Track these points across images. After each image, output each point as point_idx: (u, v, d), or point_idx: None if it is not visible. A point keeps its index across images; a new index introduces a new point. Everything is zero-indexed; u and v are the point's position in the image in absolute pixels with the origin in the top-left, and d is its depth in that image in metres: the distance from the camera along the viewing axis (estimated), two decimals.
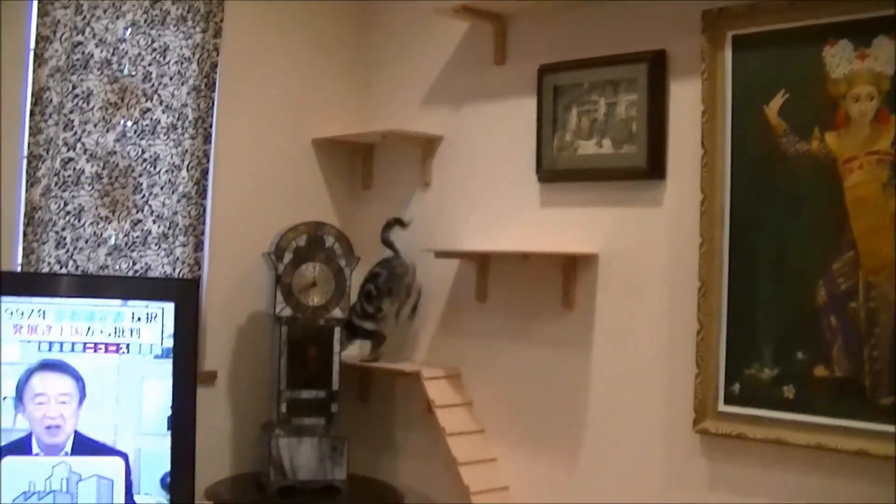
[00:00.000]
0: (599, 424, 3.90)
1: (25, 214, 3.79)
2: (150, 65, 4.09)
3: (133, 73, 4.06)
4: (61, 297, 3.63)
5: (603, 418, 3.89)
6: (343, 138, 4.67)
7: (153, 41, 4.10)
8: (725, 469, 3.52)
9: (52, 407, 3.57)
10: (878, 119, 3.15)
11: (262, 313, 4.39)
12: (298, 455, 4.10)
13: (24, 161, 3.81)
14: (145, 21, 4.08)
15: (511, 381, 4.19)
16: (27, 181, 3.79)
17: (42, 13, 3.79)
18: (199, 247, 4.21)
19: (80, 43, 3.91)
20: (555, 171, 4.04)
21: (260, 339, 4.45)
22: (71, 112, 3.91)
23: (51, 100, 3.81)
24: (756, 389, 3.40)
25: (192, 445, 3.71)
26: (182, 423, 3.69)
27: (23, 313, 3.56)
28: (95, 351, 3.64)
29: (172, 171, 4.14)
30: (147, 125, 4.10)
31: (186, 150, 4.17)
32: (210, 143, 4.24)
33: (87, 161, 3.96)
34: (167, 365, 3.70)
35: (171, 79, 4.14)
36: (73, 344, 3.61)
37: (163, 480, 3.67)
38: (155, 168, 4.11)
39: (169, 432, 3.69)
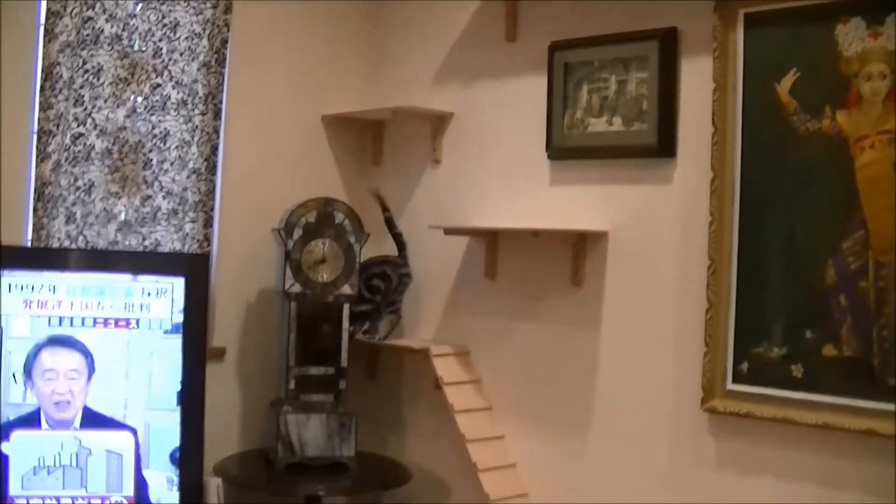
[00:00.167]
0: (607, 402, 3.90)
1: (35, 190, 3.79)
2: (160, 40, 4.08)
3: (143, 48, 4.05)
4: (71, 271, 3.64)
5: (611, 396, 3.89)
6: (353, 115, 4.66)
7: (163, 17, 4.09)
8: (733, 448, 3.52)
9: (60, 383, 3.59)
10: (890, 98, 3.13)
11: (272, 290, 4.39)
12: (306, 431, 4.11)
13: (35, 136, 3.81)
14: None
15: (519, 359, 4.19)
16: (37, 156, 3.79)
17: None
18: (208, 223, 4.21)
19: (90, 18, 3.90)
20: (565, 149, 4.03)
21: (269, 316, 4.46)
22: (81, 87, 3.91)
23: (61, 75, 3.80)
24: (764, 368, 3.40)
25: (201, 421, 3.72)
26: (191, 398, 3.71)
27: (33, 288, 3.57)
28: (105, 326, 3.65)
29: (182, 147, 4.14)
30: (157, 101, 4.09)
31: (196, 126, 4.17)
32: (220, 119, 4.23)
33: (98, 137, 3.96)
34: (177, 340, 3.71)
35: (181, 54, 4.13)
36: (83, 319, 3.63)
37: (172, 455, 3.69)
38: (165, 144, 4.11)
39: (178, 407, 3.70)
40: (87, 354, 3.62)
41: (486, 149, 4.34)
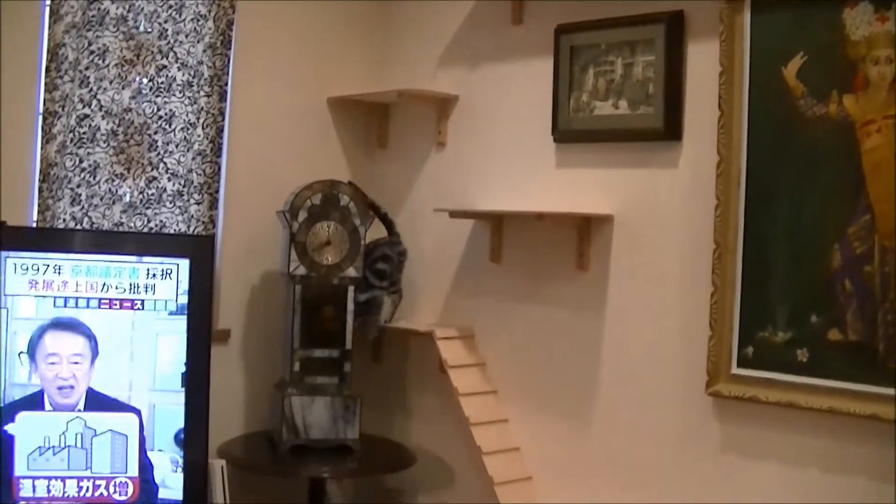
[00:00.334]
0: (612, 386, 3.90)
1: (41, 171, 3.79)
2: (165, 22, 4.07)
3: (149, 29, 4.05)
4: (77, 252, 3.64)
5: (615, 380, 3.89)
6: (358, 97, 4.66)
7: None
8: (737, 432, 3.52)
9: (64, 367, 3.59)
10: None
11: (276, 272, 4.40)
12: (311, 414, 4.11)
13: (40, 117, 3.81)
14: None
15: (524, 342, 4.19)
16: (43, 137, 3.79)
17: None
18: (213, 205, 4.21)
19: None
20: (571, 132, 4.02)
21: (274, 298, 4.46)
22: (86, 68, 3.90)
23: (66, 56, 3.80)
24: (769, 352, 3.40)
25: (206, 402, 3.72)
26: (196, 380, 3.71)
27: (38, 269, 3.57)
28: (111, 307, 3.65)
29: (188, 129, 4.14)
30: (162, 82, 4.09)
31: (202, 108, 4.16)
32: (225, 100, 4.22)
33: (103, 118, 3.96)
34: (181, 321, 3.70)
35: (186, 36, 4.12)
36: (87, 300, 3.63)
37: (177, 437, 3.69)
38: (170, 125, 4.11)
39: (183, 389, 3.70)
40: (91, 337, 3.62)
41: (491, 132, 4.34)
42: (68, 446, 3.58)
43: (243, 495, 4.18)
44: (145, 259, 3.69)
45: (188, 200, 4.14)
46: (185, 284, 3.71)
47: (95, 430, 3.61)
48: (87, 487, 3.60)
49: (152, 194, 4.08)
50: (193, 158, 4.15)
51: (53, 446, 3.57)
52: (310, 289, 4.18)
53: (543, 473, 4.10)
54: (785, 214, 3.37)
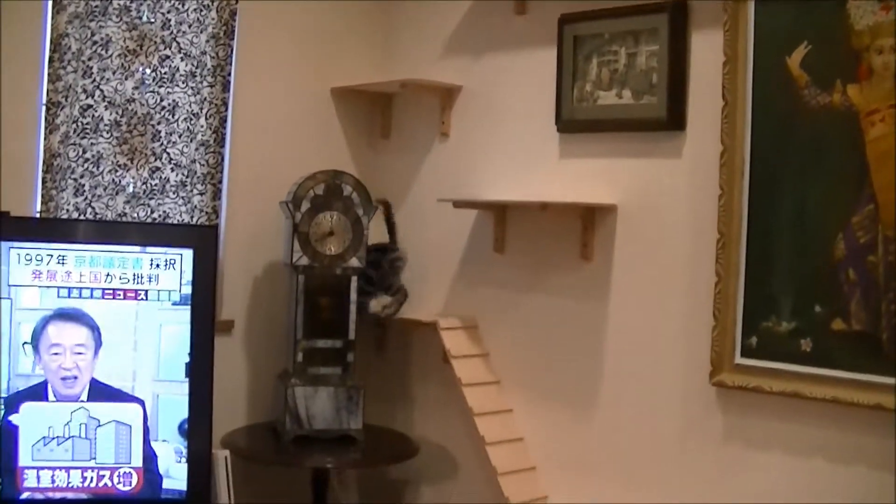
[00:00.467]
0: (616, 376, 3.90)
1: (44, 161, 3.79)
2: (168, 12, 4.07)
3: (152, 19, 4.04)
4: (80, 243, 3.64)
5: (619, 370, 3.89)
6: (362, 87, 4.65)
7: None
8: (741, 422, 3.52)
9: (67, 358, 3.59)
10: None
11: (279, 262, 4.40)
12: (314, 404, 4.12)
13: (43, 108, 3.80)
14: None
15: (528, 333, 4.19)
16: (46, 128, 3.79)
17: None
18: (216, 195, 4.20)
19: None
20: (574, 122, 4.02)
21: (277, 289, 4.46)
22: (90, 59, 3.90)
23: (69, 46, 3.80)
24: (773, 342, 3.39)
25: (209, 392, 3.72)
26: (200, 371, 3.71)
27: (41, 259, 3.57)
28: (114, 297, 3.65)
29: (191, 119, 4.13)
30: (166, 73, 4.08)
31: (205, 98, 4.16)
32: (229, 91, 4.22)
33: (106, 108, 3.95)
34: (185, 312, 3.71)
35: (189, 26, 4.12)
36: (91, 290, 3.63)
37: (180, 427, 3.70)
38: (173, 116, 4.10)
39: (187, 379, 3.71)
40: (94, 328, 3.62)
41: (495, 122, 4.33)
42: (72, 437, 3.58)
43: (247, 486, 4.18)
44: (149, 249, 3.69)
45: (191, 191, 4.14)
46: (188, 275, 3.71)
47: (99, 421, 3.61)
48: (91, 478, 3.60)
49: (156, 185, 4.08)
50: (197, 149, 4.15)
51: (57, 437, 3.57)
52: (313, 279, 4.17)
53: (547, 463, 4.10)
54: (789, 204, 3.36)
